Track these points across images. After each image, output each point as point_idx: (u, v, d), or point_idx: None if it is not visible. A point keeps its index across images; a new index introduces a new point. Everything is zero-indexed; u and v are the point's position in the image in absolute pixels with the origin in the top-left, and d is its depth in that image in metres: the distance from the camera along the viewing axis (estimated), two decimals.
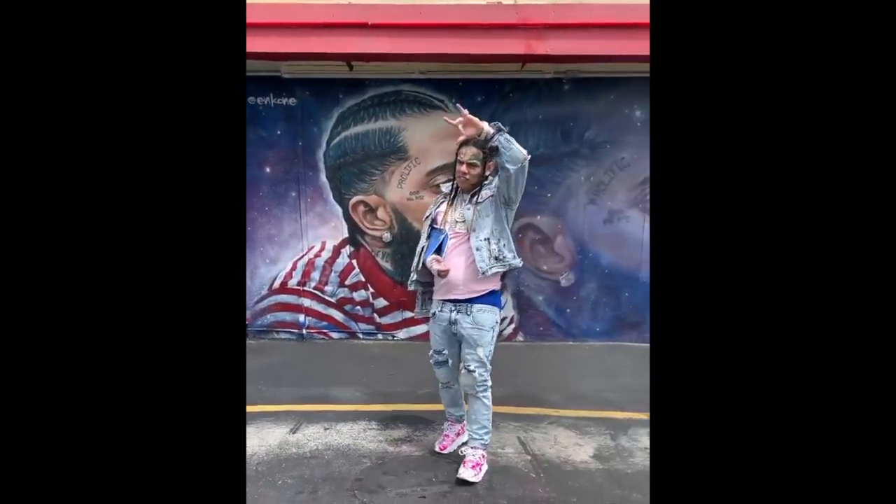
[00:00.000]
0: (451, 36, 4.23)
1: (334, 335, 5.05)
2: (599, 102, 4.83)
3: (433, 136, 4.80)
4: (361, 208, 4.92)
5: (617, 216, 4.90)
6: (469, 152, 2.57)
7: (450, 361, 2.77)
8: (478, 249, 2.54)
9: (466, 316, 2.60)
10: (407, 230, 4.90)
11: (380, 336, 5.05)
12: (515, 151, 2.43)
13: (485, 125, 2.47)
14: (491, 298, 2.64)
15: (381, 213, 4.91)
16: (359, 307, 5.02)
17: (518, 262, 2.63)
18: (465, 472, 2.57)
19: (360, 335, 5.05)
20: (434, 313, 2.74)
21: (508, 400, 3.48)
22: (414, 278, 2.77)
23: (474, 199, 2.61)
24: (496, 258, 2.55)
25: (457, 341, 2.71)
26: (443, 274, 2.58)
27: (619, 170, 4.87)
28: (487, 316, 2.61)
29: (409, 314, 4.98)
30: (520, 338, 5.01)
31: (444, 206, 2.71)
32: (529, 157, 2.49)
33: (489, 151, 2.52)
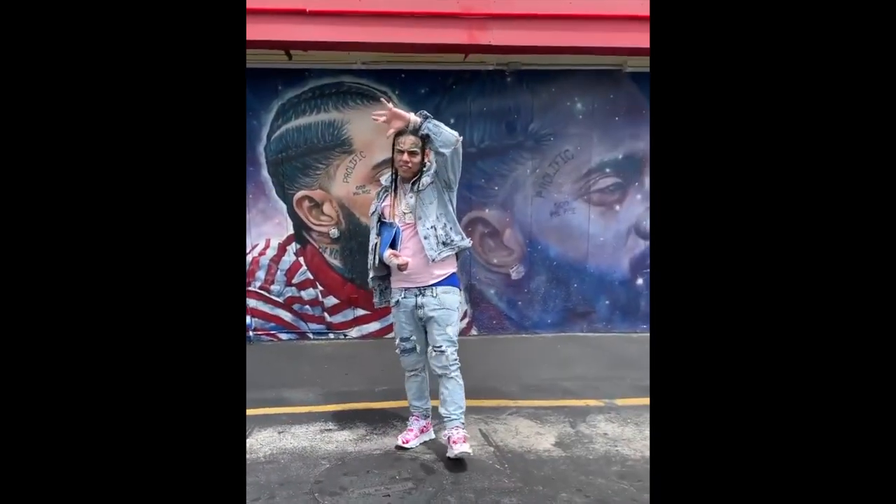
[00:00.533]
0: (392, 24, 4.15)
1: (283, 336, 4.87)
2: (541, 95, 4.86)
3: (378, 129, 4.51)
4: (307, 204, 4.76)
5: (563, 208, 4.96)
6: (408, 141, 2.58)
7: (417, 347, 2.75)
8: (426, 238, 2.58)
9: (432, 298, 2.62)
10: (355, 225, 4.78)
11: (331, 335, 4.90)
12: (446, 135, 2.47)
13: (411, 115, 2.50)
14: (452, 280, 2.68)
15: (327, 208, 4.77)
16: (308, 306, 4.86)
17: (467, 242, 2.69)
18: (462, 447, 2.57)
19: (311, 335, 4.89)
20: (398, 301, 2.71)
21: (467, 393, 3.39)
22: (372, 275, 2.75)
23: (415, 186, 2.61)
24: (444, 243, 2.60)
25: (422, 326, 2.68)
26: (402, 267, 2.58)
27: (563, 162, 4.92)
28: (452, 297, 2.66)
29: (361, 312, 4.86)
30: (473, 332, 4.98)
31: (388, 199, 2.70)
32: (461, 138, 2.53)
33: (422, 139, 2.54)
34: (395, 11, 4.13)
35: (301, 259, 4.81)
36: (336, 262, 4.83)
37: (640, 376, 3.79)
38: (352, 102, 4.71)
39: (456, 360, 2.66)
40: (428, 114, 2.50)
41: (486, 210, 4.89)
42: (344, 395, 3.51)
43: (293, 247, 4.79)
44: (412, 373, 2.82)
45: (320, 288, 4.84)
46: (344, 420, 3.14)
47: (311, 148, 4.71)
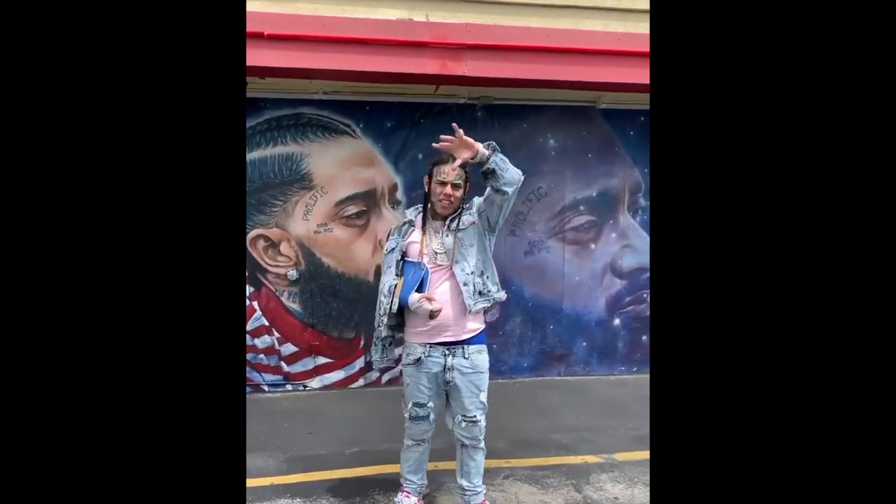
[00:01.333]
0: (359, 52, 3.89)
1: None
2: (513, 131, 4.68)
3: (340, 163, 4.39)
4: (261, 243, 4.33)
5: (537, 247, 4.73)
6: (453, 172, 2.23)
7: (432, 416, 2.36)
8: (465, 284, 2.24)
9: (464, 360, 2.26)
10: (316, 266, 4.38)
11: (289, 387, 4.41)
12: (512, 172, 2.18)
13: (479, 146, 2.15)
14: (483, 337, 2.36)
15: (284, 247, 4.36)
16: (262, 355, 4.37)
17: (502, 294, 2.36)
18: None
19: (266, 387, 4.38)
20: (419, 359, 2.30)
21: (453, 452, 3.05)
22: (386, 323, 2.31)
23: (453, 225, 2.27)
24: (480, 293, 2.27)
25: (444, 391, 2.30)
26: (435, 315, 2.19)
27: (536, 200, 4.73)
28: (484, 357, 2.34)
29: (322, 360, 4.41)
30: None
31: (416, 235, 2.33)
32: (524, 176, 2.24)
33: (483, 175, 2.19)
34: (362, 38, 3.88)
35: (255, 303, 4.35)
36: (294, 307, 4.40)
37: (633, 425, 3.53)
38: (312, 135, 4.37)
39: (484, 426, 2.37)
40: (496, 146, 2.18)
41: None
42: (310, 461, 3.05)
43: (247, 290, 4.34)
44: (416, 443, 2.43)
45: (276, 335, 4.37)
46: (313, 494, 2.69)
47: (266, 183, 4.32)
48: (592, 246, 4.79)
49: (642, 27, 4.42)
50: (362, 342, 4.44)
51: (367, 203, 4.42)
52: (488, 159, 2.13)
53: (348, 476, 2.87)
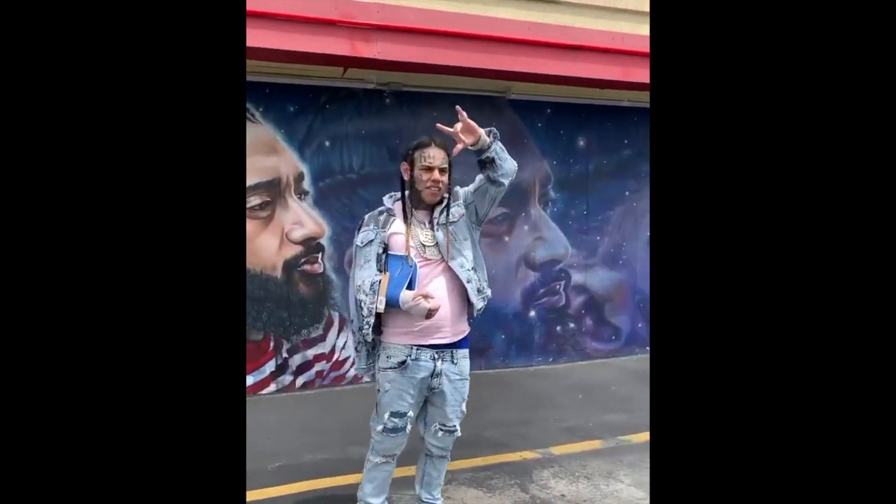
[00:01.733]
0: (259, 27, 3.53)
1: None
2: (423, 119, 4.51)
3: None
4: None
5: None
6: (438, 156, 2.02)
7: (409, 426, 2.10)
8: (469, 281, 2.04)
9: (453, 365, 2.06)
10: None
11: None
12: (510, 162, 2.01)
13: (482, 132, 1.94)
14: (468, 340, 2.15)
15: None
16: None
17: (489, 292, 2.17)
18: None
19: None
20: (403, 363, 2.01)
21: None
22: (372, 325, 2.01)
23: (442, 216, 2.06)
24: (478, 290, 2.09)
25: (424, 398, 2.08)
26: (431, 315, 1.95)
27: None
28: (468, 362, 2.13)
29: None
30: (367, 379, 4.34)
31: (398, 225, 2.06)
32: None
33: (481, 164, 1.98)
34: (263, 12, 3.52)
35: None
36: None
37: (560, 416, 3.52)
38: None
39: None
40: (497, 132, 1.98)
41: None
42: None
43: None
44: (386, 460, 2.13)
45: None
46: None
47: None
48: (506, 239, 4.76)
49: (551, 18, 4.44)
50: (272, 344, 4.06)
51: (270, 193, 4.06)
52: (489, 147, 1.94)
53: (276, 496, 2.54)
